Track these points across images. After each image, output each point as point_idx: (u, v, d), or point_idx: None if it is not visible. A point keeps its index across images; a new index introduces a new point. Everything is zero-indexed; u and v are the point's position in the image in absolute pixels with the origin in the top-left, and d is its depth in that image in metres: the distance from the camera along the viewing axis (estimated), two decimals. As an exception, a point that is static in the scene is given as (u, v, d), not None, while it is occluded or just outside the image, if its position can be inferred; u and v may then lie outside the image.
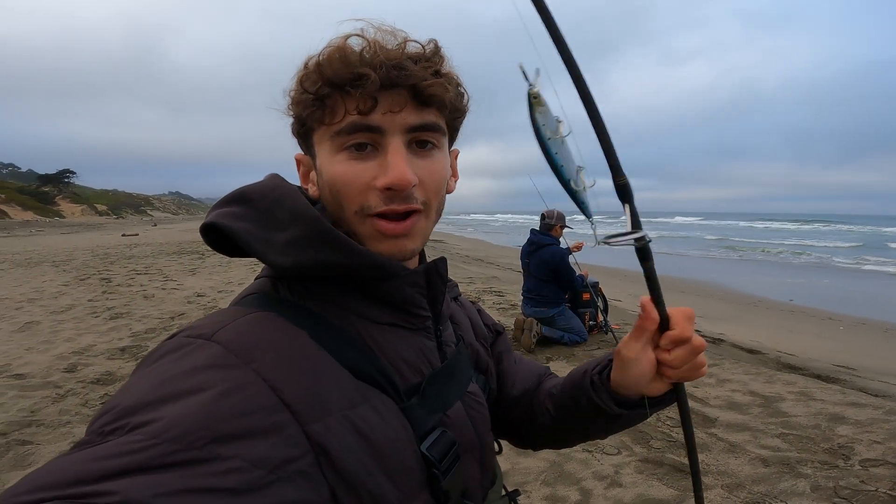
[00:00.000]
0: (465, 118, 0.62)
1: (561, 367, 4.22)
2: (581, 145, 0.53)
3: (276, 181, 0.57)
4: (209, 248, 0.56)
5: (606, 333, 5.21)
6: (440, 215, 0.61)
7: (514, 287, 7.58)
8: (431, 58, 0.55)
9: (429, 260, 0.63)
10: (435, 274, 0.61)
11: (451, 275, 0.67)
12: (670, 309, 0.60)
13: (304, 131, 0.58)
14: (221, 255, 0.57)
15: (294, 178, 0.63)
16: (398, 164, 0.53)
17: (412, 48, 0.55)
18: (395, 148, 0.53)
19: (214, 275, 9.44)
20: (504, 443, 0.80)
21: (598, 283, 5.35)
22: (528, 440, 0.84)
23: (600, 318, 5.25)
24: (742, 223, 51.77)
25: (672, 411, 3.28)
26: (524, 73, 0.51)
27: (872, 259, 16.88)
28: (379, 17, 0.55)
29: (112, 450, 0.37)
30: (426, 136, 0.56)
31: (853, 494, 2.35)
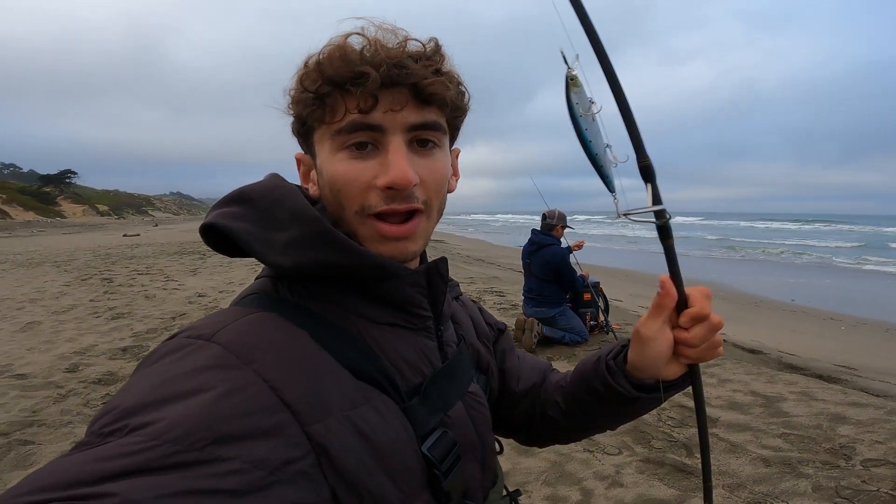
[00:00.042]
0: (466, 117, 0.62)
1: (562, 368, 4.19)
2: (610, 134, 0.58)
3: (275, 181, 0.57)
4: (210, 249, 0.56)
5: (607, 333, 5.21)
6: (441, 215, 0.61)
7: (515, 287, 7.58)
8: (432, 56, 0.55)
9: (430, 260, 0.63)
10: (436, 274, 0.60)
11: (451, 275, 0.67)
12: (687, 288, 0.60)
13: (304, 130, 0.58)
14: (222, 256, 0.58)
15: (294, 177, 0.63)
16: (399, 162, 0.53)
17: (413, 47, 0.54)
18: (396, 147, 0.53)
19: (215, 275, 9.44)
20: (505, 443, 0.80)
21: (599, 283, 5.35)
22: (535, 437, 0.84)
23: (601, 318, 5.25)
24: (743, 223, 51.72)
25: (673, 411, 3.27)
26: (564, 57, 0.54)
27: (873, 259, 16.85)
28: (379, 15, 0.55)
29: (112, 451, 0.37)
30: (427, 135, 0.56)
31: (855, 494, 2.35)
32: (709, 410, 3.32)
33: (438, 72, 0.55)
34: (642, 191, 0.57)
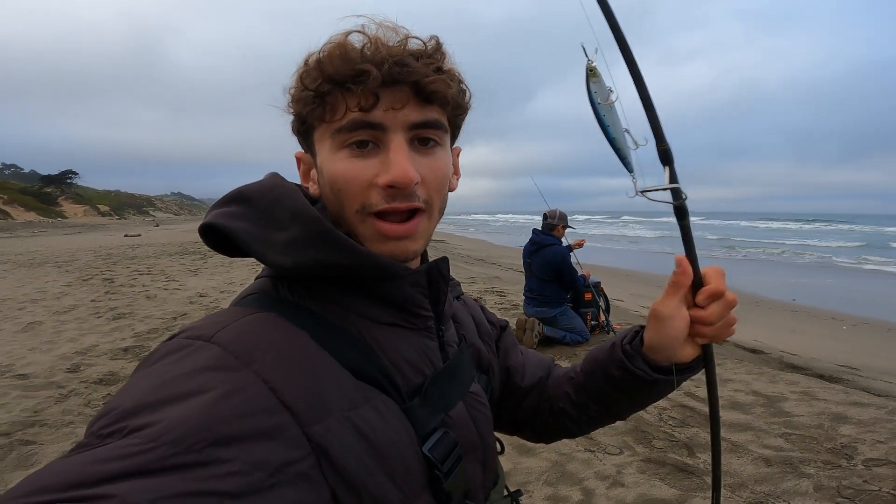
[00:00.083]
0: (467, 115, 0.62)
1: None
2: (631, 123, 0.62)
3: (275, 180, 0.57)
4: (210, 249, 0.56)
5: (608, 333, 5.20)
6: (443, 214, 0.60)
7: (515, 287, 7.57)
8: (433, 54, 0.55)
9: (431, 259, 0.63)
10: (437, 273, 0.60)
11: (452, 275, 0.67)
12: (702, 267, 0.62)
13: (304, 129, 0.58)
14: (223, 256, 0.57)
15: (294, 176, 0.63)
16: (400, 161, 0.52)
17: (414, 45, 0.54)
18: (398, 145, 0.53)
19: (216, 275, 9.45)
20: (506, 443, 0.80)
21: (599, 282, 5.35)
22: (543, 432, 0.84)
23: (602, 317, 5.25)
24: (743, 223, 51.69)
25: (674, 410, 3.27)
26: (584, 50, 0.57)
27: (875, 259, 16.82)
28: (380, 13, 0.55)
29: (111, 453, 0.36)
30: (428, 134, 0.55)
31: (856, 494, 2.34)
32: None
33: (440, 70, 0.55)
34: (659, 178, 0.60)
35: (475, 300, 0.87)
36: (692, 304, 0.63)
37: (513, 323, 5.09)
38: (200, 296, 7.39)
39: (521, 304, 5.38)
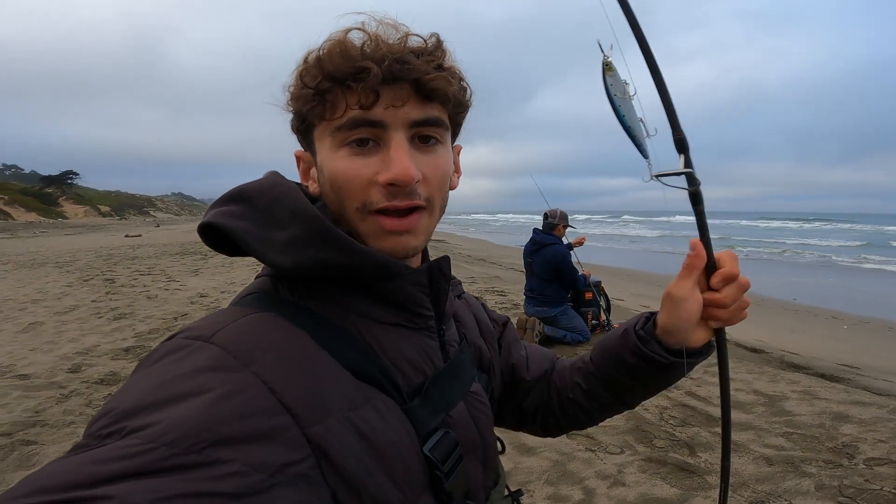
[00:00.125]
0: (468, 113, 0.61)
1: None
2: (648, 116, 0.68)
3: (275, 179, 0.56)
4: (211, 249, 0.56)
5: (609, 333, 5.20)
6: (443, 212, 0.60)
7: (516, 287, 7.57)
8: (434, 51, 0.54)
9: (432, 259, 0.62)
10: (438, 273, 0.60)
11: (453, 274, 0.67)
12: (715, 252, 0.63)
13: (303, 127, 0.58)
14: (224, 256, 0.57)
15: (294, 175, 0.62)
16: (401, 159, 0.52)
17: (414, 42, 0.54)
18: (398, 143, 0.53)
19: (217, 275, 9.45)
20: (507, 442, 0.80)
21: (600, 282, 5.35)
22: (551, 424, 0.83)
23: (603, 317, 5.25)
24: (744, 222, 51.70)
25: (675, 410, 3.27)
26: (600, 46, 0.60)
27: (875, 258, 16.81)
28: (380, 10, 0.55)
29: (110, 454, 0.36)
30: (429, 132, 0.55)
31: (858, 493, 2.34)
32: (710, 409, 3.31)
33: (440, 67, 0.54)
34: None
35: (476, 298, 0.86)
36: (705, 288, 0.64)
37: (513, 322, 5.08)
38: (201, 296, 7.39)
39: (522, 303, 5.38)
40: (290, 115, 0.59)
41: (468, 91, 0.59)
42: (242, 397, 0.42)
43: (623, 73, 0.62)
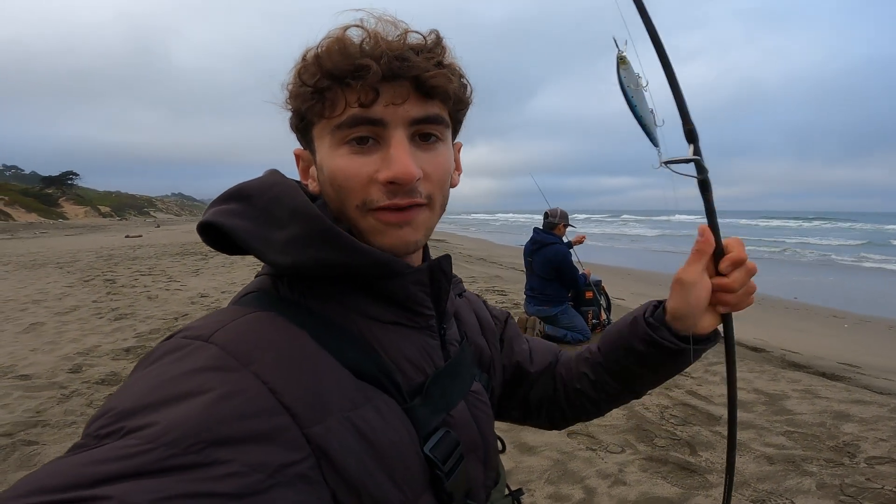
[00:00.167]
0: (468, 110, 0.61)
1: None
2: (659, 109, 0.69)
3: (275, 177, 0.56)
4: (212, 249, 0.56)
5: (609, 332, 5.20)
6: (444, 210, 0.60)
7: (516, 286, 7.57)
8: (433, 48, 0.54)
9: (433, 258, 0.62)
10: (439, 271, 0.59)
11: (454, 273, 0.67)
12: (723, 239, 0.64)
13: (303, 126, 0.57)
14: (225, 256, 0.57)
15: (293, 174, 0.62)
16: (401, 157, 0.51)
17: (413, 39, 0.53)
18: (398, 141, 0.52)
19: (218, 275, 9.45)
20: (507, 441, 0.80)
21: (600, 281, 5.35)
22: (557, 416, 0.83)
23: (603, 316, 5.25)
24: (744, 221, 51.67)
25: (676, 409, 3.26)
26: (615, 42, 0.62)
27: (876, 256, 16.80)
28: (379, 7, 0.54)
29: (108, 454, 0.36)
30: (429, 129, 0.55)
31: (859, 492, 2.34)
32: (711, 408, 3.31)
33: (440, 64, 0.54)
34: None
35: (477, 296, 0.86)
36: (714, 274, 0.65)
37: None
38: (202, 296, 7.39)
39: (522, 302, 5.38)
40: (289, 114, 0.58)
41: (468, 88, 0.59)
42: (242, 397, 0.42)
43: (636, 67, 0.65)
